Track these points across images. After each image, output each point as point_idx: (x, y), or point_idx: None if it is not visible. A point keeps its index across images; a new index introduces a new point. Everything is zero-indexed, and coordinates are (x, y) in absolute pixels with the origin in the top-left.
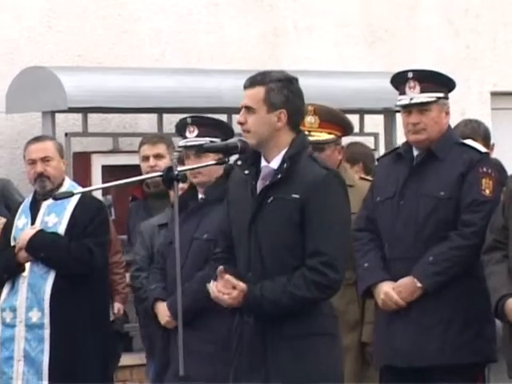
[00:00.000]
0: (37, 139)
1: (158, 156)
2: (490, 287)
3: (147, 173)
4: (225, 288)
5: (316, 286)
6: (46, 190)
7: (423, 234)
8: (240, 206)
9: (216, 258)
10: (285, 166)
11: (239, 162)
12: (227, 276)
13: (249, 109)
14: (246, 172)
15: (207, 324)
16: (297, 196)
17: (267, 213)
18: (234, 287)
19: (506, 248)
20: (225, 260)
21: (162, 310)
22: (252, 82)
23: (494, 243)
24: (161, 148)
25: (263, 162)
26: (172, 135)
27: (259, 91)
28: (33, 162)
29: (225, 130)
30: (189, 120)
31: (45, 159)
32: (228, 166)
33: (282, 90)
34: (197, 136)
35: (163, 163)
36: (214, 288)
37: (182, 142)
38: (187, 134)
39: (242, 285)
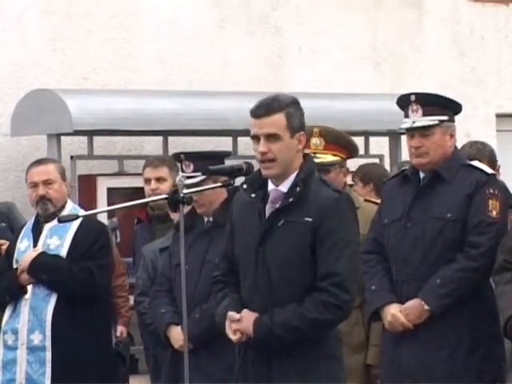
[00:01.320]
0: (39, 162)
1: (159, 179)
2: (500, 307)
3: (149, 196)
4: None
5: (326, 306)
6: (48, 213)
7: (430, 256)
8: (246, 229)
9: (216, 282)
10: (298, 189)
11: (245, 186)
12: (230, 313)
13: (271, 137)
14: (253, 195)
15: (223, 348)
16: (309, 219)
17: (277, 236)
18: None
19: None
20: (225, 284)
21: (176, 334)
22: (269, 110)
23: (505, 264)
24: (163, 171)
25: (271, 186)
26: None
27: (281, 118)
28: (35, 185)
29: (219, 159)
30: (182, 156)
31: (47, 182)
32: (233, 188)
33: (296, 113)
34: (193, 171)
35: (165, 186)
36: (232, 335)
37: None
38: (184, 169)
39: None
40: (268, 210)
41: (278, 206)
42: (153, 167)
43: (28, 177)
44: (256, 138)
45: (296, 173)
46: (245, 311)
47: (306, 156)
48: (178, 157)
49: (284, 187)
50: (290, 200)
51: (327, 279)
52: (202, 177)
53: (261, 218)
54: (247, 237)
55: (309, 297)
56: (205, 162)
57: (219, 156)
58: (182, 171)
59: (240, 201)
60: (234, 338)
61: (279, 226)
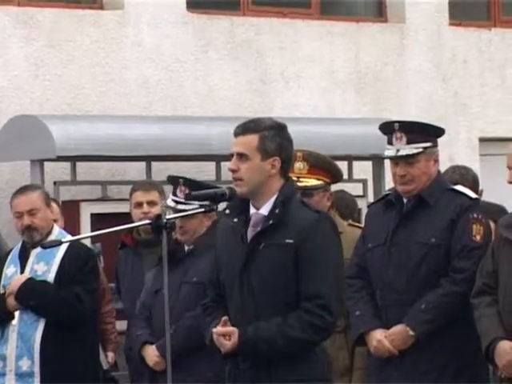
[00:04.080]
0: (22, 192)
1: (151, 203)
2: (480, 331)
3: (140, 219)
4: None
5: (313, 328)
6: (34, 241)
7: (415, 281)
8: (230, 253)
9: (205, 308)
10: (277, 211)
11: (227, 211)
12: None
13: (241, 156)
14: (235, 220)
15: (194, 366)
16: (290, 241)
17: (259, 259)
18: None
19: (495, 293)
20: (213, 309)
21: (150, 352)
22: (245, 129)
23: (484, 287)
24: (154, 195)
25: (252, 209)
26: (162, 183)
27: (253, 139)
28: (19, 215)
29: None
30: (181, 181)
31: (31, 212)
32: (217, 217)
33: (274, 138)
34: (185, 198)
35: (156, 210)
36: (217, 331)
37: (170, 202)
38: (177, 193)
39: (233, 329)
40: (250, 233)
41: (258, 229)
42: (144, 191)
43: (12, 206)
44: (232, 156)
45: (276, 196)
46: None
47: (287, 179)
48: (173, 179)
49: (264, 210)
50: (270, 222)
51: (311, 301)
52: (196, 209)
53: (243, 241)
54: (231, 261)
55: (294, 314)
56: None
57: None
58: (174, 194)
59: (223, 226)
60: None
61: (260, 250)
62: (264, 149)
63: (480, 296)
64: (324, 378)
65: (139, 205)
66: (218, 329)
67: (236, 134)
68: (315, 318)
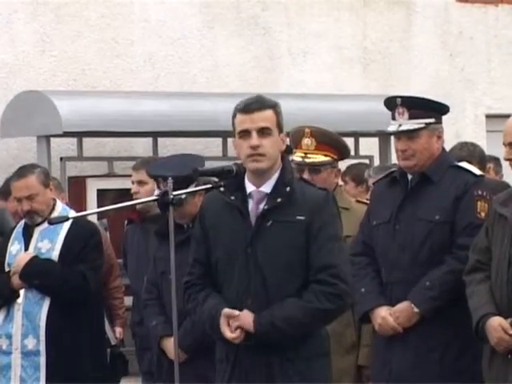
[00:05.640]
0: (19, 175)
1: (140, 182)
2: (472, 307)
3: (133, 198)
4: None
5: (326, 296)
6: (36, 223)
7: (419, 258)
8: (227, 231)
9: (191, 285)
10: (287, 189)
11: (222, 189)
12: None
13: (263, 131)
14: (232, 198)
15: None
16: (302, 218)
17: (267, 236)
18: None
19: (488, 269)
20: (201, 286)
21: (170, 346)
22: (262, 105)
23: (477, 264)
24: (143, 174)
25: (250, 187)
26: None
27: (271, 114)
28: (18, 200)
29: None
30: (160, 179)
31: (30, 197)
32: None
33: (281, 114)
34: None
35: (144, 190)
36: (228, 333)
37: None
38: (162, 188)
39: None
40: (252, 211)
41: (265, 206)
42: (134, 170)
43: (12, 190)
44: (245, 134)
45: (278, 173)
46: (244, 311)
47: (283, 157)
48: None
49: (266, 188)
50: (279, 200)
51: (324, 271)
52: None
53: (245, 219)
54: (231, 239)
55: (306, 290)
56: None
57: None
58: (159, 188)
59: (215, 204)
60: (231, 335)
61: (268, 227)
62: (280, 123)
63: (473, 273)
64: (327, 353)
65: (132, 184)
66: (230, 312)
67: (251, 111)
68: (329, 286)
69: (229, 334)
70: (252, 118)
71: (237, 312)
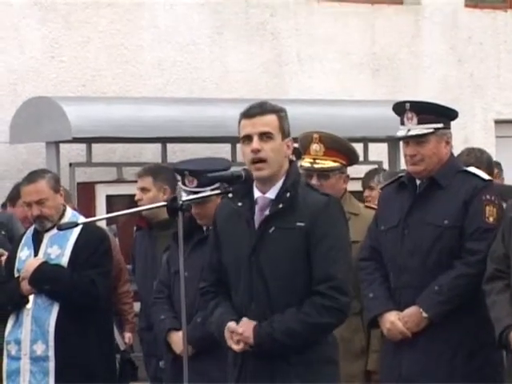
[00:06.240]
0: (29, 180)
1: (143, 189)
2: (494, 317)
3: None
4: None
5: (327, 310)
6: (46, 229)
7: (428, 263)
8: (235, 238)
9: (204, 292)
10: (288, 195)
11: (230, 195)
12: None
13: (265, 136)
14: (240, 204)
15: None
16: (302, 224)
17: (270, 243)
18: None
19: (507, 277)
20: (215, 293)
21: (177, 339)
22: (263, 110)
23: (496, 272)
24: (146, 181)
25: (257, 193)
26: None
27: (273, 118)
28: (28, 205)
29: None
30: (186, 172)
31: (39, 202)
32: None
33: (286, 119)
34: (197, 186)
35: (147, 197)
36: (235, 347)
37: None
38: (187, 184)
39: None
40: (257, 217)
41: (267, 213)
42: (138, 177)
43: (21, 194)
44: (248, 139)
45: (283, 179)
46: (244, 320)
47: (291, 162)
48: (179, 171)
49: (271, 194)
50: (280, 206)
51: (325, 283)
52: (209, 192)
53: (250, 226)
54: (237, 246)
55: (308, 301)
56: (208, 179)
57: (221, 170)
58: (184, 185)
59: (225, 210)
60: (237, 347)
61: (270, 233)
62: (283, 129)
63: (492, 282)
64: (333, 360)
65: (137, 190)
66: (233, 327)
67: (253, 115)
68: (330, 300)
69: (234, 346)
70: (253, 122)
71: (240, 329)
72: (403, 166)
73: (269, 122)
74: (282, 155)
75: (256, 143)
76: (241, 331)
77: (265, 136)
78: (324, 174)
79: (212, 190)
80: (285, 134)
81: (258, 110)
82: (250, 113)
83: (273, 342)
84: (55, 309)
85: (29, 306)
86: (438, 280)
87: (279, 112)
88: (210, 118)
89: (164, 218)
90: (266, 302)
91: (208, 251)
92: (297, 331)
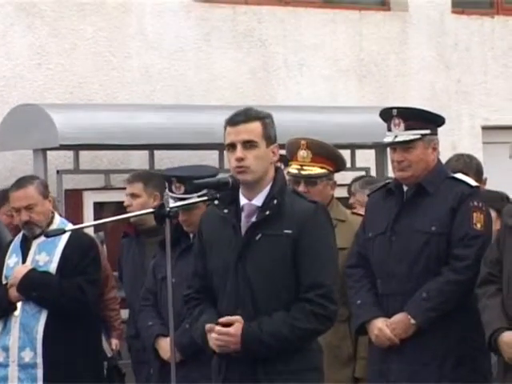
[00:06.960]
0: (18, 185)
1: (133, 195)
2: (484, 321)
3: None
4: (222, 336)
5: (316, 317)
6: (34, 235)
7: (416, 270)
8: (221, 244)
9: (189, 299)
10: (275, 202)
11: (216, 202)
12: (217, 328)
13: (248, 144)
14: (226, 211)
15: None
16: (289, 231)
17: (256, 250)
18: (230, 324)
19: (499, 281)
20: (200, 300)
21: (165, 345)
22: (247, 117)
23: (488, 276)
24: (136, 187)
25: (243, 200)
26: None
27: (257, 126)
28: (17, 210)
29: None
30: (173, 178)
31: (28, 207)
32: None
33: (272, 125)
34: (184, 193)
35: (137, 203)
36: (215, 346)
37: (172, 204)
38: (174, 190)
39: (237, 317)
40: (243, 224)
41: (253, 219)
42: (128, 183)
43: (10, 200)
44: (232, 147)
45: (269, 186)
46: (230, 319)
47: (277, 169)
48: (166, 178)
49: (258, 201)
50: (267, 213)
51: (313, 290)
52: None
53: (236, 233)
54: (223, 252)
55: (296, 306)
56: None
57: (208, 177)
58: (171, 192)
59: (211, 217)
60: (218, 349)
61: (257, 240)
62: (268, 135)
63: (484, 285)
64: (318, 367)
65: (126, 196)
66: (218, 328)
67: (237, 123)
68: (317, 307)
69: (216, 348)
70: (237, 130)
71: (232, 330)
72: (390, 172)
73: (253, 129)
74: (266, 162)
75: (239, 152)
76: (233, 331)
77: (248, 144)
78: (311, 180)
79: (199, 196)
80: (270, 140)
81: (241, 117)
82: (234, 120)
83: (260, 343)
84: (43, 316)
85: (17, 313)
86: (425, 286)
87: (264, 119)
88: (198, 124)
89: (152, 225)
90: (252, 309)
91: (193, 259)
92: (284, 335)
